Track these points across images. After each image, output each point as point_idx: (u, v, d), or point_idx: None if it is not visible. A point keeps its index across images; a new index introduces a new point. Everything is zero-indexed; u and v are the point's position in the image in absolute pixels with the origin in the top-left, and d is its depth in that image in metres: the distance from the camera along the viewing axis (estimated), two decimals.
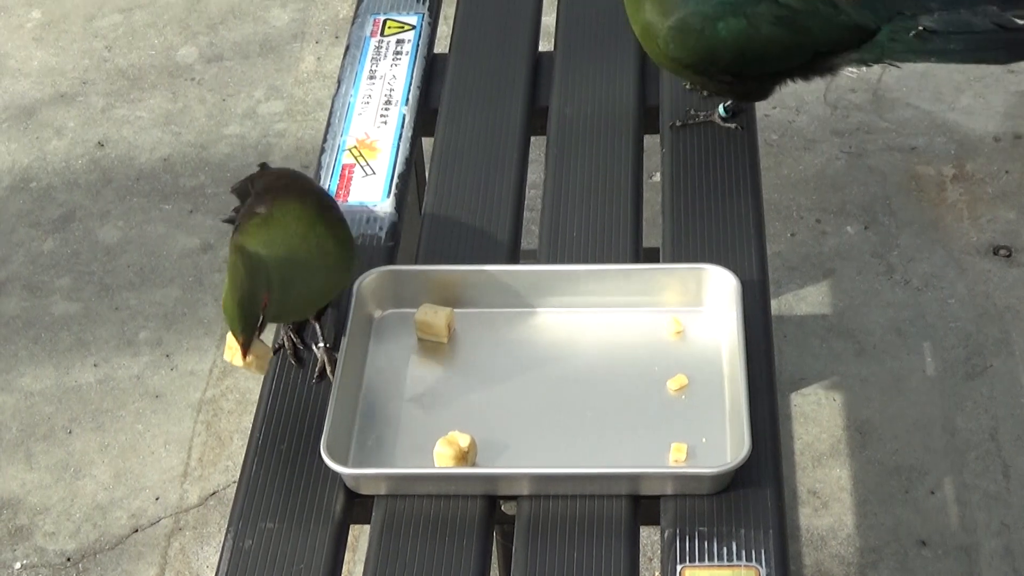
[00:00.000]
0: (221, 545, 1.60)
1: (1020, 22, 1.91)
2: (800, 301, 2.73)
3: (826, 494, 2.43)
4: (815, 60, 1.95)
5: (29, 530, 2.45)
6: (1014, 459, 2.47)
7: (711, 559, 1.53)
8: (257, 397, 1.77)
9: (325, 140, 2.06)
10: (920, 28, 1.90)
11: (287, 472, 1.63)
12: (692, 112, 2.06)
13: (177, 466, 2.54)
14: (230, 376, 2.66)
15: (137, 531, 2.44)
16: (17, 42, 3.43)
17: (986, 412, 2.54)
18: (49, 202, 3.03)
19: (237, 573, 1.55)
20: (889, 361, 2.63)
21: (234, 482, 2.47)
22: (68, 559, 2.41)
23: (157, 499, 2.48)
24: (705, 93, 2.09)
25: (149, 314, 2.79)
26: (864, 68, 2.15)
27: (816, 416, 2.55)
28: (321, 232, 1.64)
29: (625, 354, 1.74)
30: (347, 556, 1.63)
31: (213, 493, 2.49)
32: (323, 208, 1.69)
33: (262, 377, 1.78)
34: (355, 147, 2.04)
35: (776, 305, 2.68)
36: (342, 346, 1.71)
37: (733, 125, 2.04)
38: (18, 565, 2.41)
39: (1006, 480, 2.44)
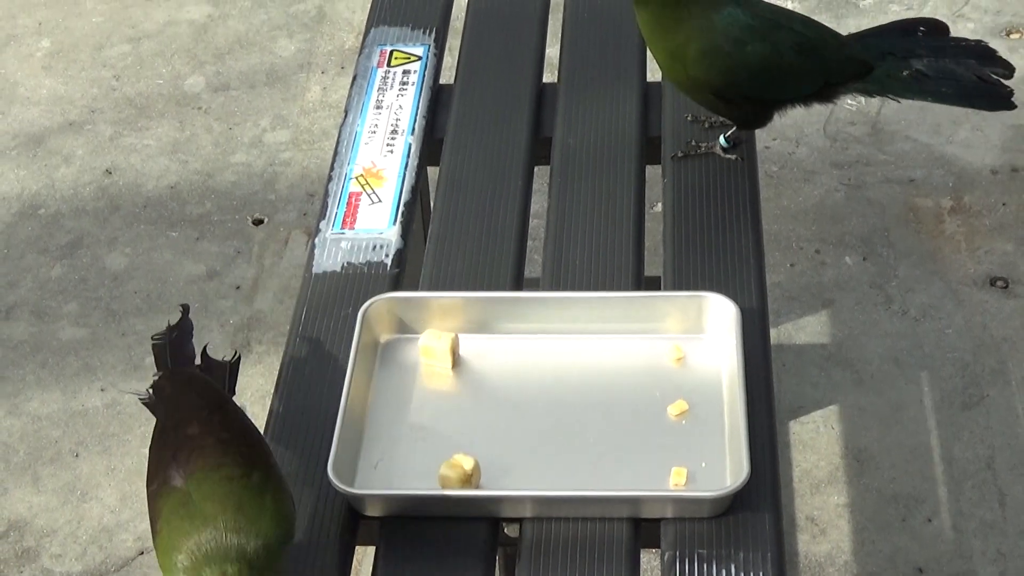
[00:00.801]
0: None
1: (995, 77, 2.00)
2: (799, 330, 2.75)
3: (824, 521, 2.44)
4: (825, 88, 2.00)
5: (36, 552, 2.47)
6: (1010, 488, 2.48)
7: None
8: (262, 422, 1.78)
9: (332, 168, 2.07)
10: (914, 69, 1.97)
11: (293, 493, 1.65)
12: (693, 143, 2.08)
13: None
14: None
15: (143, 553, 2.46)
16: (27, 71, 3.46)
17: (982, 441, 2.55)
18: (57, 229, 3.05)
19: None
20: (887, 391, 2.64)
21: None
22: None
23: None
24: (708, 124, 2.11)
25: None
26: (866, 99, 2.21)
27: (814, 444, 2.56)
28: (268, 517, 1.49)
29: (627, 380, 1.76)
30: None
31: None
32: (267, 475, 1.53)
33: (268, 402, 1.80)
34: (362, 175, 2.05)
35: (775, 334, 2.69)
36: (348, 370, 1.73)
37: (734, 156, 2.06)
38: None
39: (1002, 509, 2.45)
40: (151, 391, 1.67)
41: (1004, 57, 2.04)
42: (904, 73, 1.99)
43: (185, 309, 1.76)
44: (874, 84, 2.00)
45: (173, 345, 1.72)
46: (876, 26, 2.09)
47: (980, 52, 2.03)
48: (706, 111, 2.09)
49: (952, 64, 2.00)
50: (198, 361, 1.73)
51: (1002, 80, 2.00)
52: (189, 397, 1.62)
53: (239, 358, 1.76)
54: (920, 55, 2.00)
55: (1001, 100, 2.01)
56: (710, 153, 2.07)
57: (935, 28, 2.06)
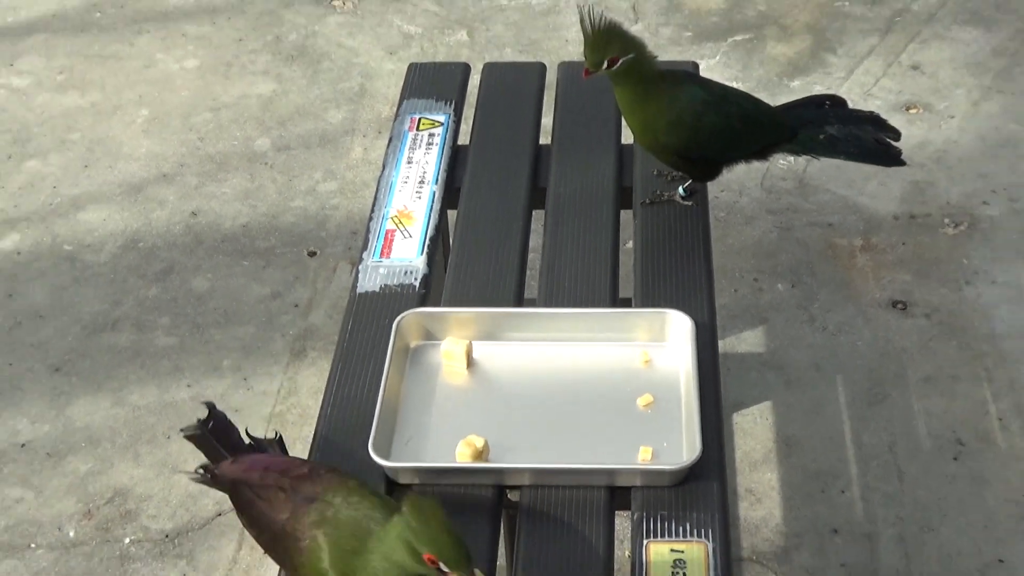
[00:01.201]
0: None
1: (888, 139, 2.05)
2: (741, 342, 2.76)
3: (760, 492, 2.45)
4: (762, 149, 2.02)
5: (136, 513, 2.47)
6: (907, 467, 2.48)
7: (670, 536, 1.56)
8: (315, 412, 1.78)
9: (372, 211, 2.09)
10: (828, 134, 2.00)
11: (340, 467, 1.66)
12: (658, 193, 2.10)
13: None
14: (293, 396, 2.68)
15: (220, 515, 2.46)
16: (129, 134, 3.46)
17: (885, 430, 2.56)
18: (153, 258, 3.06)
19: None
20: (810, 390, 2.65)
21: None
22: (166, 536, 2.43)
23: None
24: (670, 178, 2.13)
25: (231, 347, 2.81)
26: (793, 159, 2.25)
27: (752, 431, 2.56)
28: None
29: (605, 377, 1.77)
30: None
31: None
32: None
33: (320, 396, 1.80)
34: (396, 216, 2.07)
35: (722, 345, 2.69)
36: (384, 370, 1.74)
37: (690, 203, 2.08)
38: (127, 540, 2.43)
39: (900, 483, 2.46)
40: (202, 471, 1.56)
41: (899, 127, 2.07)
42: (821, 137, 2.02)
43: (210, 406, 1.60)
44: (799, 146, 2.03)
45: (217, 435, 1.58)
46: (794, 100, 2.13)
47: (874, 120, 2.07)
48: (668, 167, 2.11)
49: (856, 130, 2.03)
50: (247, 440, 1.61)
51: (892, 143, 2.04)
52: (272, 457, 1.53)
53: (280, 437, 1.65)
54: (831, 122, 2.04)
55: (894, 159, 2.05)
56: (671, 201, 2.08)
57: (836, 102, 2.10)
